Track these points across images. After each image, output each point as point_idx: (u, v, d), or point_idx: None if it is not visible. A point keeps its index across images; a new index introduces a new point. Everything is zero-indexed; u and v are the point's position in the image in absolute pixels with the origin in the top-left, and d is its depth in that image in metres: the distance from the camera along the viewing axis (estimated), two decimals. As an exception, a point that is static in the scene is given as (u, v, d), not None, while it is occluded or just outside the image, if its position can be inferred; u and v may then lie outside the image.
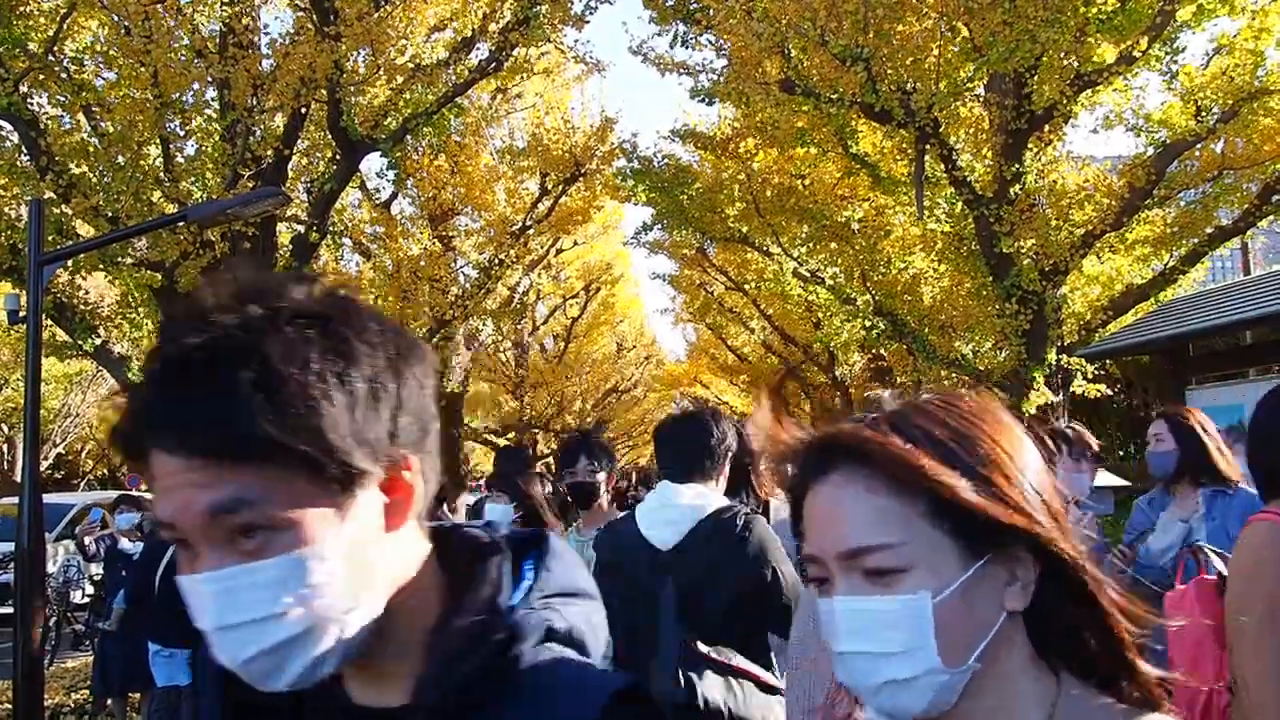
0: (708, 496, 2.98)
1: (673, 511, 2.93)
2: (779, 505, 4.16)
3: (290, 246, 10.00)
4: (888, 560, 0.88)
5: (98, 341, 8.96)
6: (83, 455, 36.91)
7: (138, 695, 7.93)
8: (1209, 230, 10.60)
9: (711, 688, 2.69)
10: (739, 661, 2.81)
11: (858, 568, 0.90)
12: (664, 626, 2.75)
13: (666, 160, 14.01)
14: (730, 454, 3.16)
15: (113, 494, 17.95)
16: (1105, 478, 8.18)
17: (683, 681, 2.65)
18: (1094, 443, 4.49)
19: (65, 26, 8.41)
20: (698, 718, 2.64)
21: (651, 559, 2.89)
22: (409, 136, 9.91)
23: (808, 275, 14.18)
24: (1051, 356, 10.20)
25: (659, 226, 15.06)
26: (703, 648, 2.76)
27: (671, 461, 3.06)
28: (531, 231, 12.79)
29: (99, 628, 7.39)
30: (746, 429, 4.04)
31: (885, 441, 0.90)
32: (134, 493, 11.09)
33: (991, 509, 0.88)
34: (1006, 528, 0.88)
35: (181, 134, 9.22)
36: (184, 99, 9.02)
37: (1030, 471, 0.94)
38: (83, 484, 35.10)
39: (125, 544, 7.49)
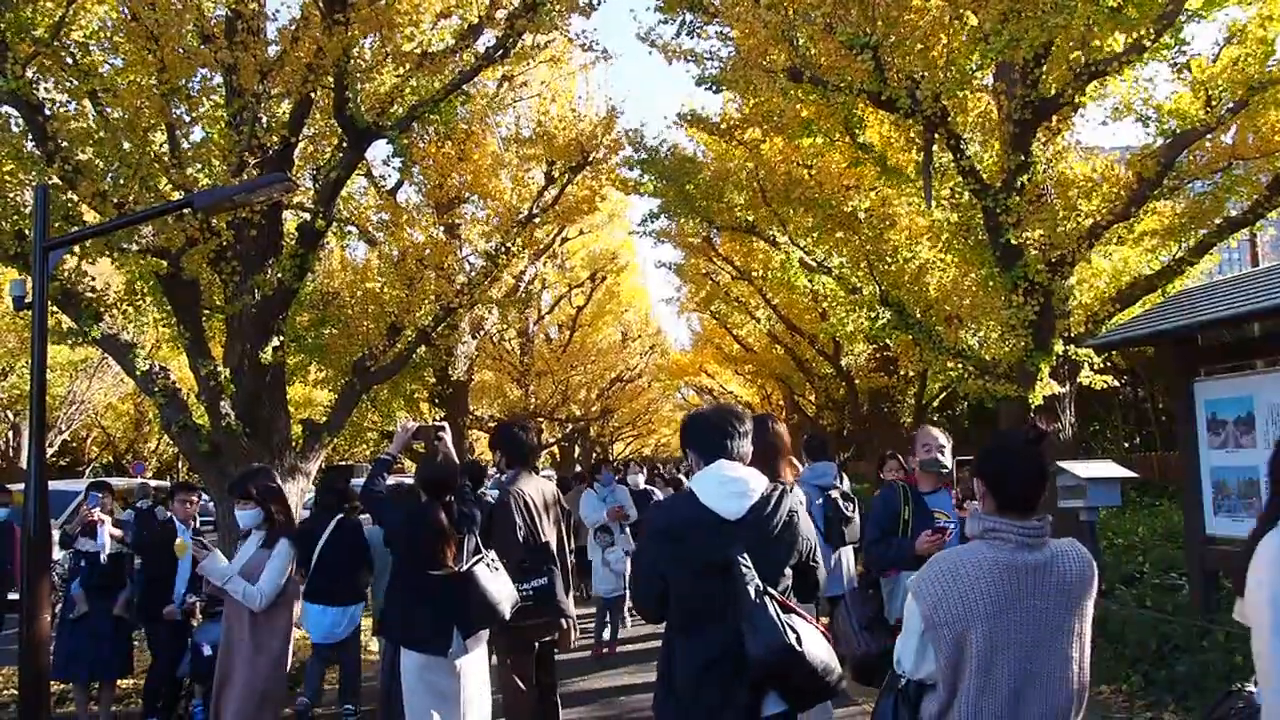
0: (760, 475, 3.41)
1: (739, 485, 3.30)
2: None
3: (296, 234, 9.99)
4: None
5: (104, 328, 8.97)
6: (88, 442, 37.04)
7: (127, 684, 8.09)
8: (1218, 221, 10.55)
9: (808, 637, 3.09)
10: (808, 615, 3.24)
11: None
12: (746, 587, 3.08)
13: (672, 149, 13.98)
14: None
15: (155, 483, 18.01)
16: (1111, 469, 8.18)
17: (788, 631, 3.02)
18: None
19: (71, 11, 8.39)
20: (802, 664, 3.03)
21: (718, 528, 3.22)
22: (415, 124, 9.88)
23: (814, 265, 14.15)
24: (1058, 348, 10.16)
25: (665, 215, 15.05)
26: (790, 601, 3.23)
27: (722, 446, 3.42)
28: (537, 220, 12.75)
29: (68, 618, 7.41)
30: (777, 425, 4.35)
31: None
32: (108, 480, 11.23)
33: None
34: None
35: (188, 120, 9.20)
36: (190, 85, 9.01)
37: None
38: (88, 471, 35.22)
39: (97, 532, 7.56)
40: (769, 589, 3.11)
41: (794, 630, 3.03)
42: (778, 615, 3.03)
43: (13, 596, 9.87)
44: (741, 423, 3.50)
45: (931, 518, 4.88)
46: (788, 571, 3.32)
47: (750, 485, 3.30)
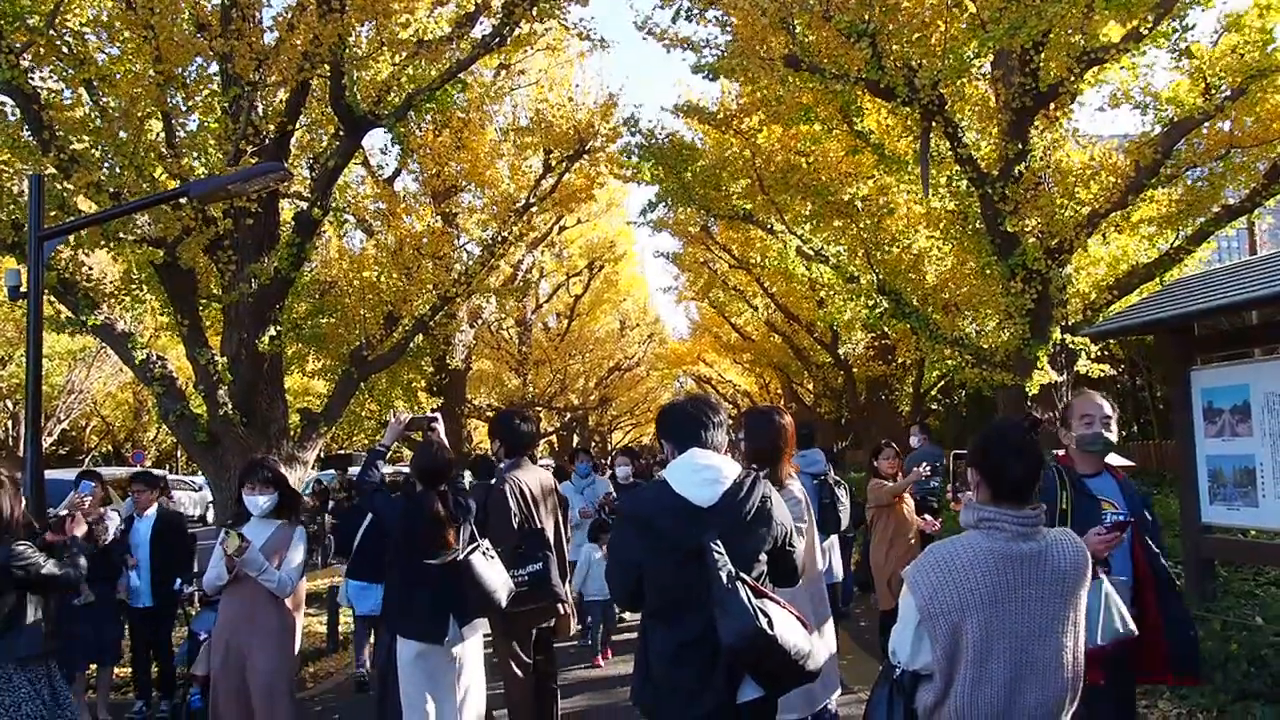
0: (732, 463, 3.42)
1: (711, 472, 3.32)
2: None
3: (293, 223, 9.97)
4: None
5: (101, 317, 8.96)
6: (87, 431, 37.04)
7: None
8: (1215, 209, 10.54)
9: (781, 621, 3.10)
10: (782, 600, 3.25)
11: None
12: (718, 573, 3.10)
13: (670, 137, 13.94)
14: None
15: (120, 470, 17.98)
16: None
17: (759, 615, 3.03)
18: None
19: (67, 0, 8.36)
20: (774, 649, 3.04)
21: (692, 515, 3.24)
22: (412, 112, 9.86)
23: (811, 253, 14.12)
24: (1056, 336, 10.16)
25: (663, 204, 15.01)
26: (764, 586, 3.25)
27: (695, 435, 3.46)
28: (535, 209, 12.73)
29: (73, 603, 7.45)
30: (784, 417, 4.33)
31: None
32: (98, 470, 11.34)
33: None
34: None
35: (184, 109, 9.18)
36: (186, 74, 8.97)
37: None
38: (87, 460, 35.22)
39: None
40: (741, 574, 3.13)
41: (766, 615, 3.05)
42: (749, 600, 3.05)
43: None
44: (715, 413, 3.53)
45: (1098, 509, 3.81)
46: (762, 557, 3.33)
47: (723, 472, 3.32)
